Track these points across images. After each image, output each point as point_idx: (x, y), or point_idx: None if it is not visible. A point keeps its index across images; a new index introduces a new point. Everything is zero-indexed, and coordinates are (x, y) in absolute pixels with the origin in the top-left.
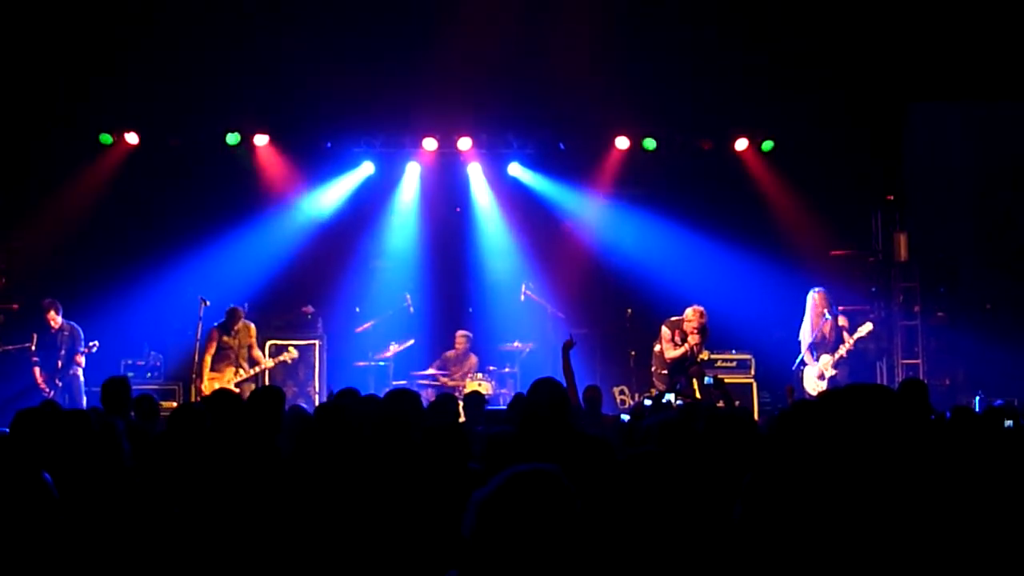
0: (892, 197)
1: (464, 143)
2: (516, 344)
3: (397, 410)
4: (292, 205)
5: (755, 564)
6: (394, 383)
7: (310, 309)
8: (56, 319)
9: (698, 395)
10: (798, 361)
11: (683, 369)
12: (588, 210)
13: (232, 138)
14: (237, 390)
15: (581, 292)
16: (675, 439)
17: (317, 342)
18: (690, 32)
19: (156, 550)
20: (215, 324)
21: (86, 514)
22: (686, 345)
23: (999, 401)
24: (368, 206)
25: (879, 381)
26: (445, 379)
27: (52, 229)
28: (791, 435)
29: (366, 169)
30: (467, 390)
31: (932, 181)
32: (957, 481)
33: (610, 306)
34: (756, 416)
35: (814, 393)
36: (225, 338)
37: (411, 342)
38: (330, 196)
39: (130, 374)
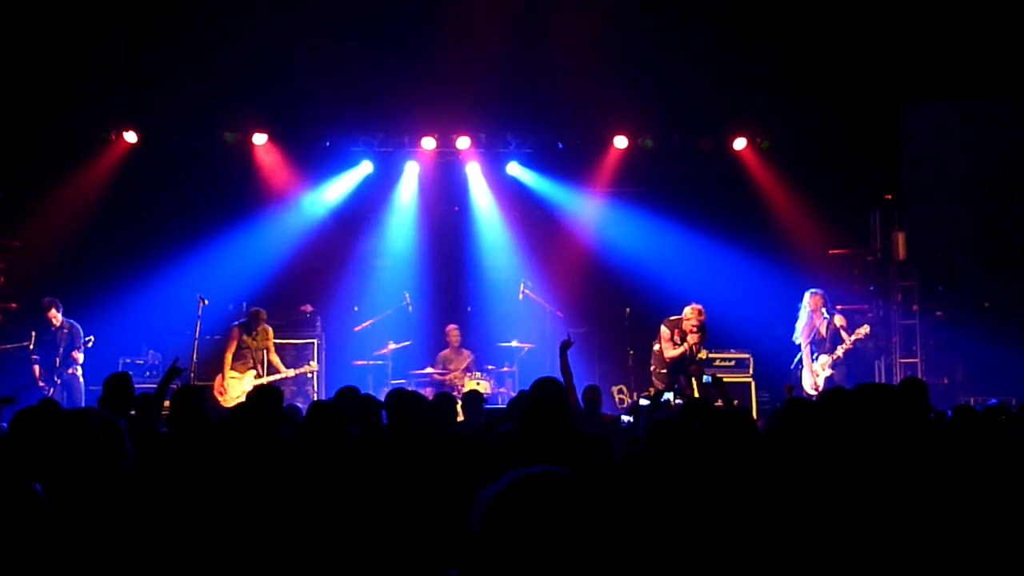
0: (890, 196)
1: (463, 142)
2: (514, 343)
3: (405, 412)
4: (291, 204)
5: (734, 562)
6: (392, 382)
7: (309, 308)
8: (57, 317)
9: (696, 394)
10: (796, 360)
11: (682, 368)
12: (587, 209)
13: (230, 137)
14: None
15: (580, 291)
16: (667, 438)
17: (316, 341)
18: (688, 31)
19: (157, 550)
20: (236, 323)
21: (86, 514)
22: (685, 344)
23: (993, 400)
24: (367, 205)
25: (877, 380)
26: (443, 377)
27: (51, 228)
28: (791, 433)
29: (365, 168)
30: (466, 389)
31: (930, 180)
32: (957, 480)
33: (609, 305)
34: (755, 415)
35: (812, 392)
36: (246, 338)
37: (407, 343)
38: (329, 195)
39: (128, 373)
